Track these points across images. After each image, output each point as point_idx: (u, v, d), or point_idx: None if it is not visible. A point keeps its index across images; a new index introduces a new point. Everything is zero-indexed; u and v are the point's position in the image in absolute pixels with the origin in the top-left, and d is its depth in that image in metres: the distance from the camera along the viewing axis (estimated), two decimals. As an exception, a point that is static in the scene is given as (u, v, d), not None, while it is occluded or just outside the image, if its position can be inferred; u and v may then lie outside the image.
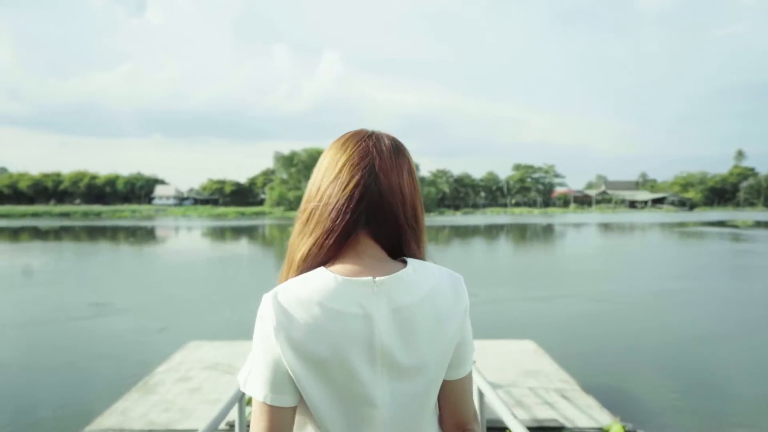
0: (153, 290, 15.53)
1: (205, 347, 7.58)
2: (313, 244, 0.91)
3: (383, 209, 0.92)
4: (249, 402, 4.60)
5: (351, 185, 0.90)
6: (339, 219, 0.90)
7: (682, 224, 54.40)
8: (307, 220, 0.94)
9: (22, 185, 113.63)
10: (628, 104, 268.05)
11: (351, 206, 0.90)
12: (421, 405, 0.91)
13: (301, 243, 0.93)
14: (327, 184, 0.93)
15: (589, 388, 5.99)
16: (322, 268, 0.88)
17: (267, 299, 0.87)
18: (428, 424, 0.94)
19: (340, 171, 0.92)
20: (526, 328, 9.78)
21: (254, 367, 0.88)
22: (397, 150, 0.98)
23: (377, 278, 0.87)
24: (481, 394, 3.05)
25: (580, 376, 6.49)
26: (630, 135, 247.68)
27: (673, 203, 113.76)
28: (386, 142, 0.98)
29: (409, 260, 0.92)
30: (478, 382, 3.24)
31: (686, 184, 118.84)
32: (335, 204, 0.90)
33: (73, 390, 7.11)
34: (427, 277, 0.91)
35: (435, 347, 0.89)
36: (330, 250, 0.90)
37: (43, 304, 13.33)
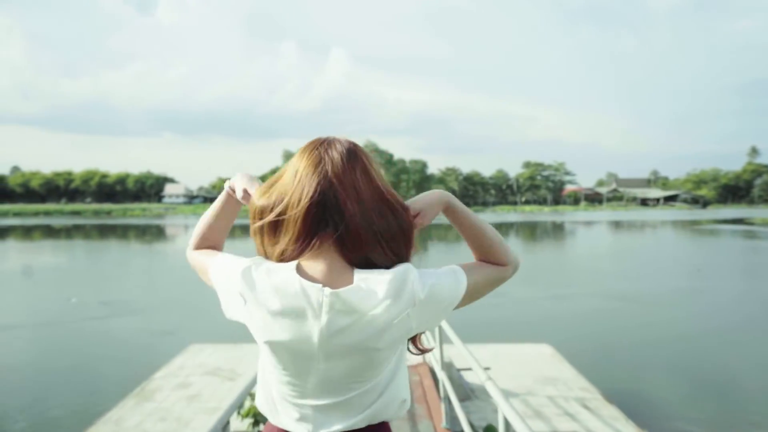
0: (161, 290, 15.32)
1: (207, 350, 7.29)
2: (285, 248, 1.02)
3: (342, 211, 0.99)
4: (246, 414, 4.29)
5: (309, 194, 0.99)
6: (303, 225, 0.99)
7: (695, 222, 53.54)
8: (275, 227, 1.03)
9: (34, 184, 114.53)
10: (639, 101, 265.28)
11: (312, 212, 0.99)
12: (351, 381, 1.04)
13: (274, 247, 1.04)
14: (290, 193, 1.01)
15: (611, 397, 5.63)
16: (292, 266, 1.00)
17: (244, 269, 1.01)
18: (359, 396, 1.05)
19: (300, 181, 1.01)
20: (540, 330, 9.40)
21: (226, 289, 1.05)
22: (350, 153, 1.04)
23: (326, 289, 0.97)
24: (504, 418, 2.69)
25: (601, 383, 6.12)
26: (641, 132, 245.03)
27: (685, 201, 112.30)
28: (338, 147, 1.04)
29: (359, 275, 1.00)
30: (493, 395, 2.89)
31: (699, 182, 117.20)
32: (299, 212, 0.99)
33: (71, 395, 6.85)
34: (371, 294, 0.97)
35: (364, 355, 1.01)
36: (298, 252, 1.01)
37: (54, 303, 13.16)
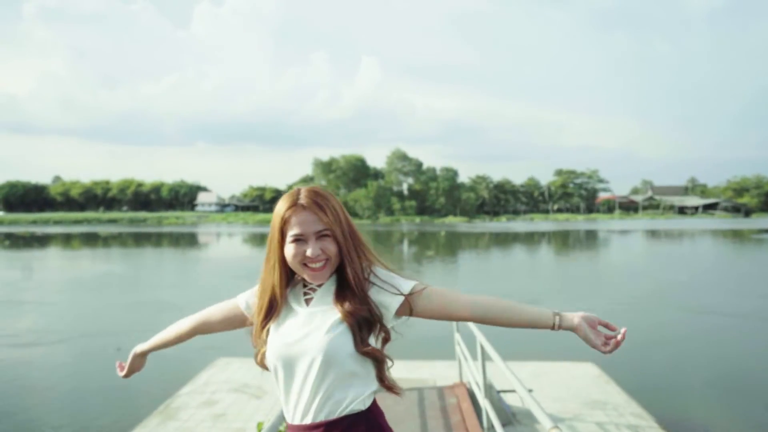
0: (195, 299, 15.30)
1: (234, 365, 7.05)
2: None
3: None
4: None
5: None
6: None
7: (739, 231, 51.39)
8: None
9: (74, 193, 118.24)
10: (676, 106, 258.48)
11: None
12: None
13: None
14: None
15: (668, 425, 5.15)
16: None
17: None
18: None
19: None
20: (583, 347, 8.87)
21: None
22: None
23: None
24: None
25: (655, 408, 5.63)
26: (677, 138, 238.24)
27: (726, 209, 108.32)
28: None
29: None
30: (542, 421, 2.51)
31: (740, 189, 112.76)
32: None
33: (100, 410, 6.68)
34: None
35: None
36: None
37: (100, 312, 13.25)
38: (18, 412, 6.55)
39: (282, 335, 1.38)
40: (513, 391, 5.76)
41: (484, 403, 3.68)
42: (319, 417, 1.33)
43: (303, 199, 1.37)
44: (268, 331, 1.41)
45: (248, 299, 1.52)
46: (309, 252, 1.35)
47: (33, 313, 13.18)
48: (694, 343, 9.78)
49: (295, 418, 1.35)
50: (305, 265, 1.37)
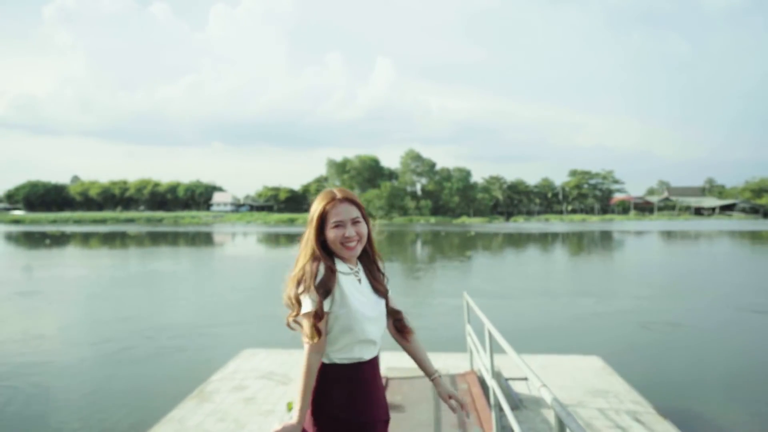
0: (214, 296, 15.87)
1: (260, 355, 7.54)
2: None
3: None
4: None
5: None
6: None
7: (757, 233, 50.95)
8: None
9: (92, 192, 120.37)
10: (692, 106, 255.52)
11: None
12: None
13: None
14: None
15: (665, 412, 5.51)
16: None
17: None
18: None
19: None
20: (590, 342, 9.24)
21: None
22: None
23: None
24: (559, 421, 2.73)
25: (654, 397, 5.99)
26: (695, 138, 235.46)
27: (744, 210, 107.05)
28: None
29: None
30: (552, 404, 2.93)
31: (759, 190, 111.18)
32: None
33: (132, 395, 7.22)
34: None
35: None
36: None
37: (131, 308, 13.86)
38: (57, 397, 7.11)
39: (363, 295, 1.83)
40: (522, 378, 6.18)
41: (492, 383, 4.11)
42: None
43: (339, 195, 1.81)
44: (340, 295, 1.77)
45: (319, 303, 1.73)
46: (347, 233, 1.77)
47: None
48: (701, 339, 10.09)
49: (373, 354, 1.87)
50: (342, 244, 1.78)
